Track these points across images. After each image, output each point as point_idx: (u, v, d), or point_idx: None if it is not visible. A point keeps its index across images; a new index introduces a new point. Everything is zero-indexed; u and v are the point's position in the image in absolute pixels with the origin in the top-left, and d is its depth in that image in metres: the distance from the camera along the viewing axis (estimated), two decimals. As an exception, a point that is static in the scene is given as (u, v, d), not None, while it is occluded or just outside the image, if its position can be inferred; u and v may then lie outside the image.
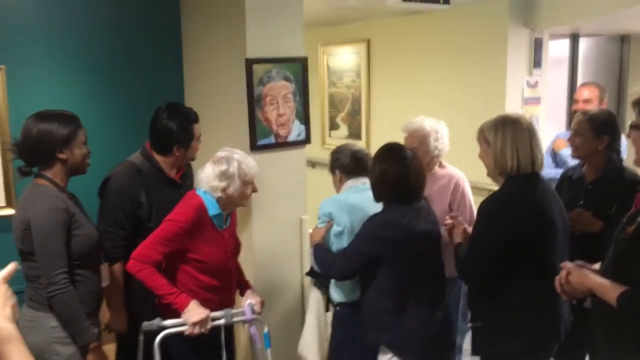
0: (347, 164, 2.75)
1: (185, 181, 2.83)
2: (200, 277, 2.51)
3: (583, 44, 5.36)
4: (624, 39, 5.65)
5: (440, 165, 3.14)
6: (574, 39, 5.29)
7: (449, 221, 2.54)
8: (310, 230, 2.81)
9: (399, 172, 2.42)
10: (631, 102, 1.84)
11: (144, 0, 3.52)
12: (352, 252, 2.48)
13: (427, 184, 2.97)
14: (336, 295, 2.74)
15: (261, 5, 3.16)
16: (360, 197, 2.68)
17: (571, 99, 5.35)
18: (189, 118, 2.70)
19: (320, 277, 2.85)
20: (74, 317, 2.23)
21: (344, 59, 6.18)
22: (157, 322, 2.33)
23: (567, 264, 1.99)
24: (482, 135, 2.36)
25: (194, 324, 2.35)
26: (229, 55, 3.28)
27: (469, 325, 2.49)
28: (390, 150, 2.51)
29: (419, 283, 2.44)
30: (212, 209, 2.49)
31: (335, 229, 2.65)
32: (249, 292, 2.71)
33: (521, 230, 2.19)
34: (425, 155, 3.02)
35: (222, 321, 2.45)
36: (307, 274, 3.12)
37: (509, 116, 2.35)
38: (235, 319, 2.49)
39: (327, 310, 2.92)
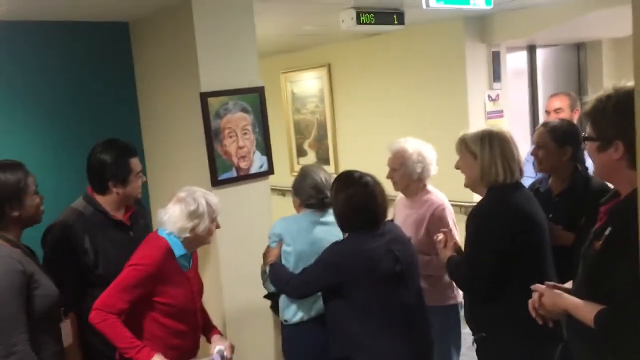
0: (309, 203, 2.71)
1: (136, 222, 2.68)
2: (167, 323, 2.38)
3: (540, 54, 5.42)
4: (580, 47, 5.74)
5: (424, 191, 3.00)
6: (531, 50, 5.35)
7: (441, 236, 2.53)
8: (263, 251, 2.77)
9: (364, 196, 2.39)
10: (582, 113, 1.81)
11: (95, 41, 3.44)
12: (310, 276, 2.45)
13: (406, 209, 2.93)
14: (283, 314, 2.72)
15: (212, 38, 3.10)
16: (312, 222, 2.69)
17: (533, 110, 5.40)
18: (123, 151, 2.54)
19: (273, 299, 2.82)
20: None
21: (306, 84, 6.15)
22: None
23: (539, 287, 1.93)
24: (465, 147, 2.38)
25: None
26: (184, 90, 3.21)
27: (473, 337, 2.42)
28: (351, 178, 2.47)
29: (392, 308, 2.37)
30: (178, 250, 2.40)
31: (285, 248, 2.66)
32: (216, 336, 2.58)
33: (510, 237, 2.20)
34: (403, 177, 2.95)
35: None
36: (265, 296, 3.01)
37: (492, 129, 2.40)
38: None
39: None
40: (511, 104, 5.00)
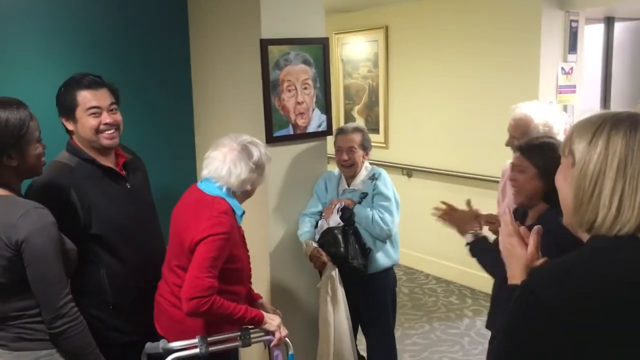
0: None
1: (133, 173, 2.29)
2: (233, 289, 2.16)
3: (618, 28, 4.99)
4: (661, 23, 5.28)
5: None
6: (609, 22, 4.93)
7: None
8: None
9: None
10: None
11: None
12: None
13: None
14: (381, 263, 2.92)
15: (277, -20, 2.82)
16: None
17: (605, 87, 5.00)
18: (73, 81, 2.11)
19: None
20: (88, 353, 1.80)
21: (359, 48, 5.83)
22: (162, 344, 1.99)
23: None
24: None
25: (279, 326, 2.20)
26: (242, 35, 2.94)
27: None
28: None
29: None
30: (238, 209, 2.20)
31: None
32: (261, 302, 2.39)
33: None
34: None
35: (239, 343, 2.10)
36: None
37: None
38: (255, 340, 2.14)
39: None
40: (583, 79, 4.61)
